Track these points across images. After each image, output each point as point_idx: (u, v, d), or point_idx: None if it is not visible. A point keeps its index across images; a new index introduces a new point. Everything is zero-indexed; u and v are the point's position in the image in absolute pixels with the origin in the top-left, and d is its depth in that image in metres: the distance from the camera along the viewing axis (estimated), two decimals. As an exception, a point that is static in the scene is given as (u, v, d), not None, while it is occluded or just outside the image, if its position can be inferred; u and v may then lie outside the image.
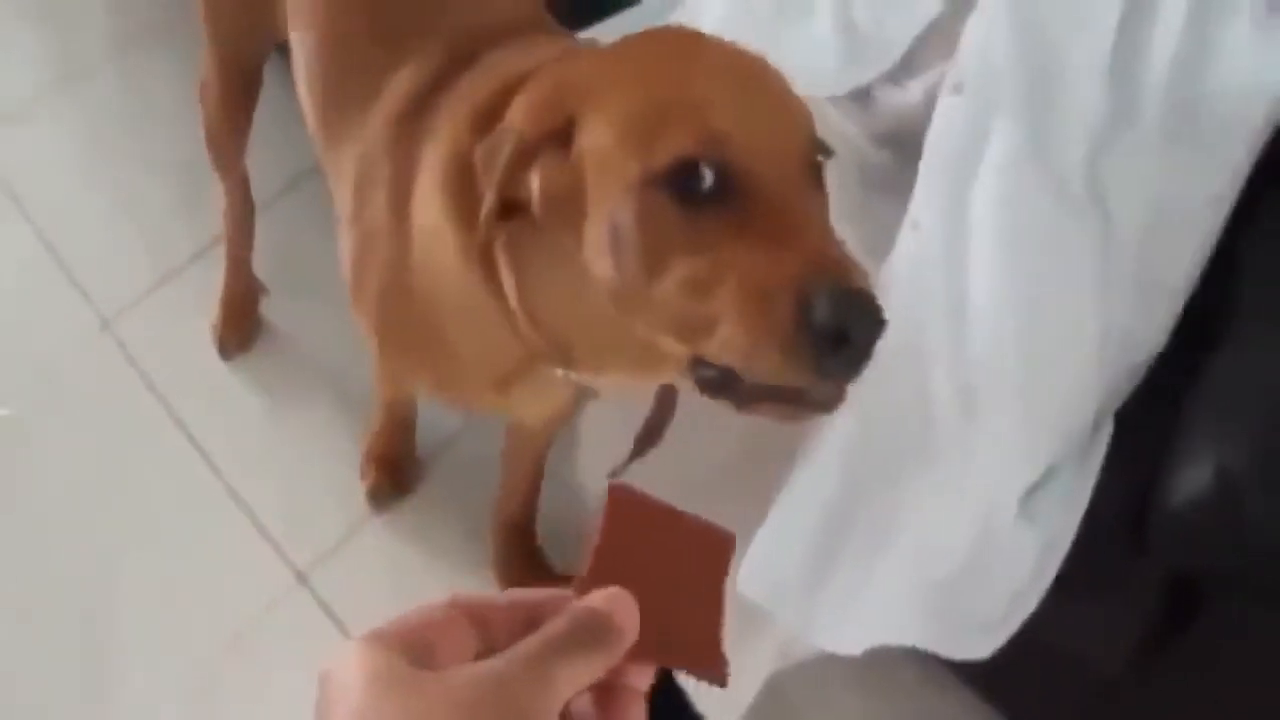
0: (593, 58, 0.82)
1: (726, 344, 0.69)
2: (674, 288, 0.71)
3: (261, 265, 1.74)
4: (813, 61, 1.13)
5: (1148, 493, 1.03)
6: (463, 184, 0.85)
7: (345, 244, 1.05)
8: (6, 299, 1.81)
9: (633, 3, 1.30)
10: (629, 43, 0.81)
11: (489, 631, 0.47)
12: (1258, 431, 1.00)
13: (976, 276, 1.02)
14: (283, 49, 1.24)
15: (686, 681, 1.09)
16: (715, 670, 0.50)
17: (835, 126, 1.14)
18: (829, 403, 0.72)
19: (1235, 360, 1.06)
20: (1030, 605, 1.05)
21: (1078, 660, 1.22)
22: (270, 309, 1.77)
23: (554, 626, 0.45)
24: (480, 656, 0.45)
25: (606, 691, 0.48)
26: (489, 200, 0.78)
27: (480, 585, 1.55)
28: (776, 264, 0.67)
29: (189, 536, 1.61)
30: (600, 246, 0.74)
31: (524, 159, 0.77)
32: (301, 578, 1.58)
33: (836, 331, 0.65)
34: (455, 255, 0.87)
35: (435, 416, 1.63)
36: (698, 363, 0.73)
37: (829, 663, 1.13)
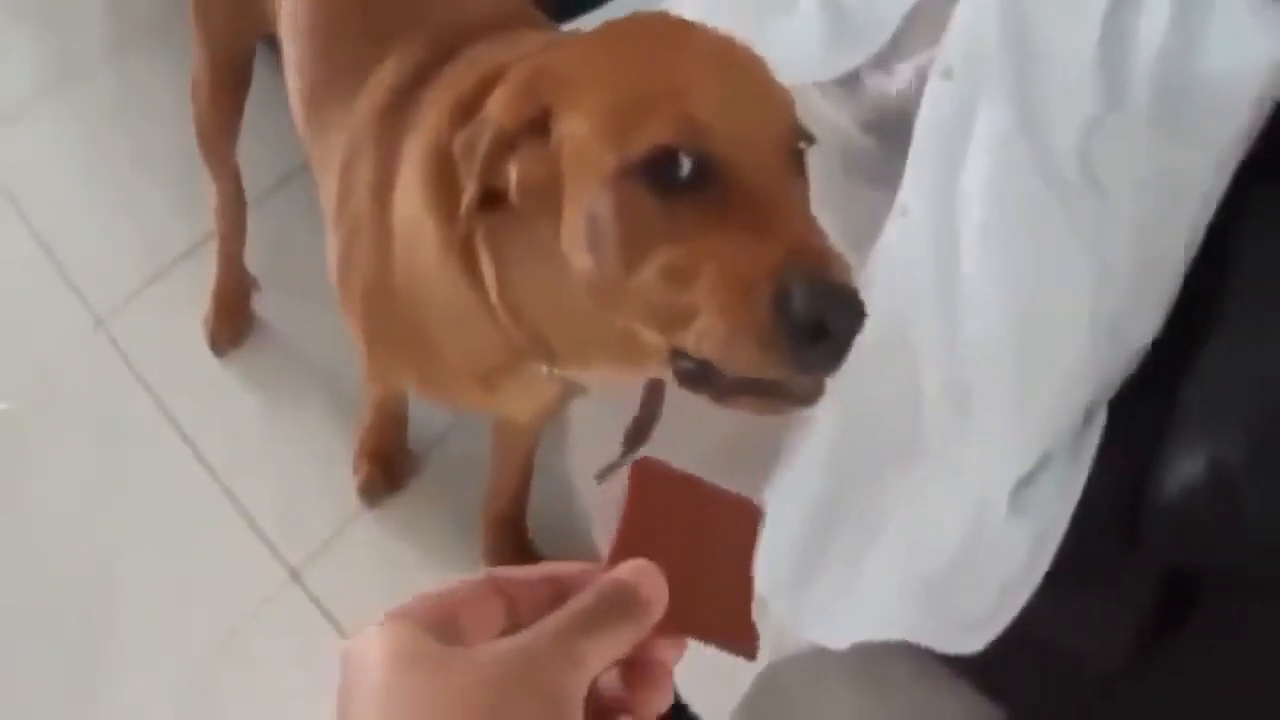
0: (573, 45, 0.81)
1: (704, 335, 0.68)
2: (652, 278, 0.70)
3: (254, 261, 1.73)
4: (798, 46, 1.12)
5: (1141, 485, 1.03)
6: (443, 176, 0.84)
7: (330, 240, 1.04)
8: (1, 296, 1.80)
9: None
10: (609, 29, 0.80)
11: (515, 606, 0.46)
12: (1252, 423, 0.99)
13: (967, 263, 1.01)
14: (272, 42, 1.24)
15: (677, 677, 1.09)
16: (745, 642, 0.49)
17: (820, 113, 1.13)
18: (809, 396, 0.71)
19: (1229, 351, 1.05)
20: (1021, 599, 1.04)
21: (1073, 655, 1.21)
22: (262, 304, 1.77)
23: (581, 601, 0.44)
24: (506, 632, 0.44)
25: (634, 666, 0.46)
26: (470, 190, 0.77)
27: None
28: (755, 254, 0.66)
29: (181, 533, 1.60)
30: (578, 238, 0.73)
31: (503, 148, 0.76)
32: (294, 574, 1.58)
33: (815, 324, 0.64)
34: (436, 248, 0.87)
35: (427, 412, 1.62)
36: (677, 354, 0.73)
37: (823, 656, 1.12)
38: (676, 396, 0.94)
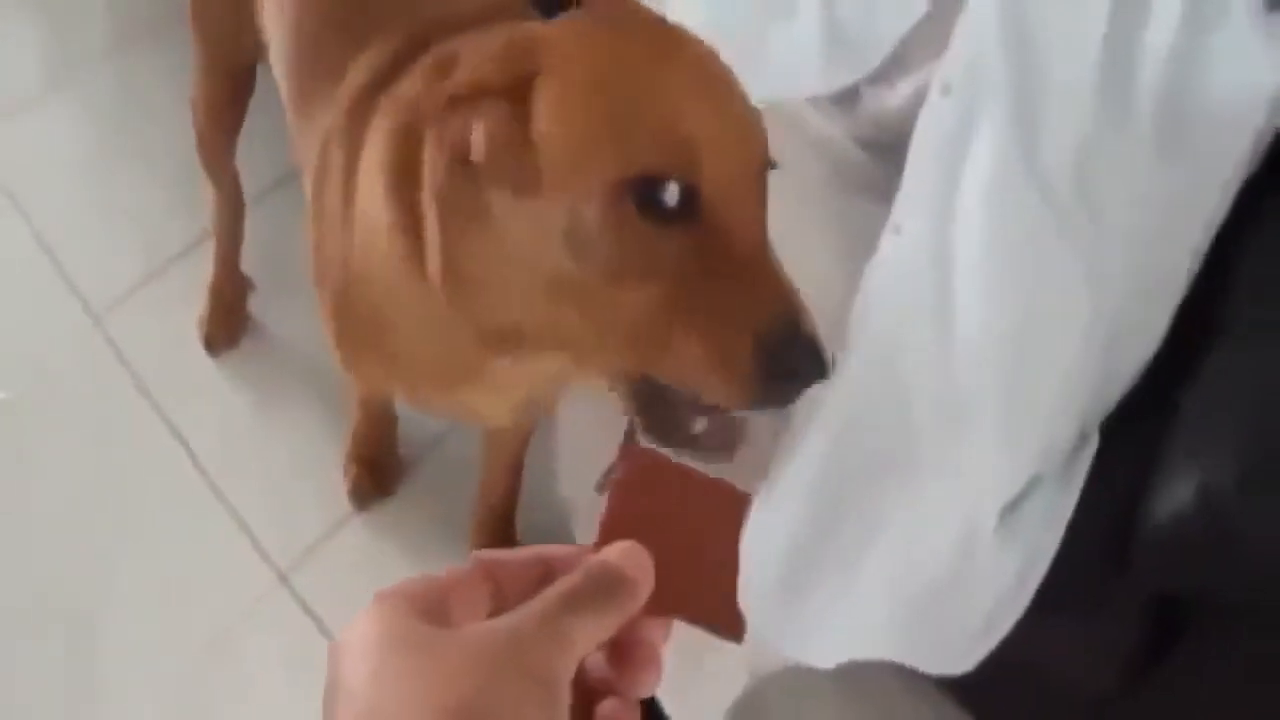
0: (568, 25, 0.78)
1: (681, 369, 0.71)
2: (638, 301, 0.71)
3: (250, 262, 1.74)
4: (797, 55, 1.11)
5: (1132, 509, 1.02)
6: (402, 159, 0.82)
7: (307, 235, 1.03)
8: (-1, 292, 1.81)
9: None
10: (607, 21, 0.78)
11: (502, 590, 0.47)
12: (1242, 448, 0.98)
13: (960, 283, 1.00)
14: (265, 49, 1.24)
15: (660, 690, 1.08)
16: (732, 627, 0.50)
17: (814, 128, 1.12)
18: (720, 452, 0.76)
19: (1219, 375, 1.04)
20: (1009, 621, 1.03)
21: (1063, 678, 1.20)
22: (258, 306, 1.77)
23: (568, 582, 0.45)
24: (494, 614, 0.45)
25: (622, 647, 0.47)
26: (443, 127, 0.75)
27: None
28: (739, 301, 0.70)
29: (172, 532, 1.60)
30: (554, 233, 0.72)
31: (477, 97, 0.73)
32: (283, 577, 1.58)
33: (788, 373, 0.69)
34: (388, 234, 0.85)
35: (422, 417, 1.61)
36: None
37: (809, 673, 1.12)
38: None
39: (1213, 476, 0.96)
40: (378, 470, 1.62)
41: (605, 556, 0.46)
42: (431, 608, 0.44)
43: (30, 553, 1.58)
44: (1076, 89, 1.02)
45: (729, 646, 1.08)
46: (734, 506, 0.52)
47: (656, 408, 0.75)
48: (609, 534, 0.48)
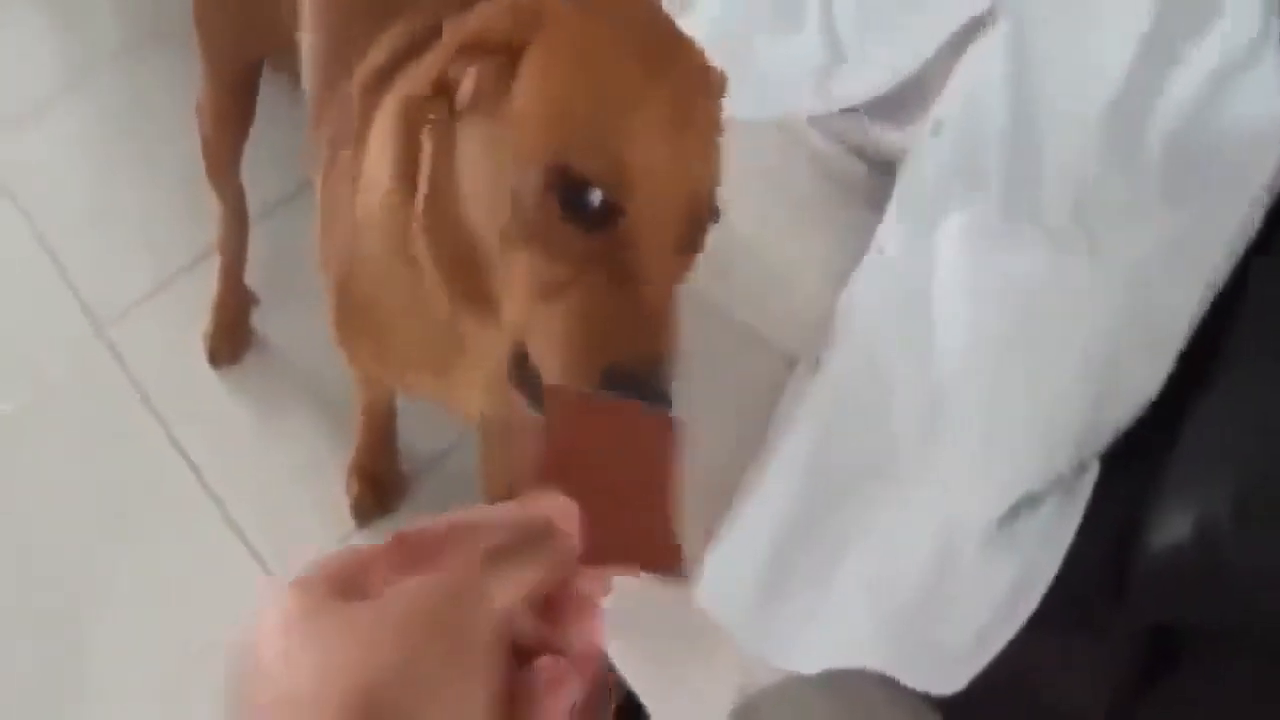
0: (580, 10, 0.79)
1: (541, 342, 0.72)
2: (538, 268, 0.73)
3: (254, 275, 1.74)
4: (796, 68, 1.12)
5: (1129, 539, 1.02)
6: (410, 126, 0.85)
7: (316, 222, 1.05)
8: (1, 301, 1.81)
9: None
10: (616, 19, 0.79)
11: (426, 562, 0.43)
12: (1239, 481, 0.99)
13: (940, 303, 1.01)
14: (275, 60, 1.25)
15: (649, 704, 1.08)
16: (669, 563, 0.48)
17: (814, 140, 1.14)
18: None
19: (1217, 409, 1.04)
20: (1000, 642, 1.03)
21: (1057, 702, 1.20)
22: (262, 320, 1.77)
23: (488, 538, 0.43)
24: None
25: (558, 603, 0.45)
26: (437, 62, 0.78)
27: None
28: (620, 324, 0.70)
29: (172, 545, 1.60)
30: (505, 188, 0.75)
31: (475, 49, 0.77)
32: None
33: (632, 388, 0.67)
34: (386, 199, 0.87)
35: (424, 434, 1.63)
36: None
37: (803, 689, 1.12)
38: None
39: (1209, 509, 0.97)
40: (380, 487, 1.62)
41: (527, 508, 0.44)
42: (348, 586, 0.42)
43: (29, 558, 1.58)
44: (1079, 131, 1.03)
45: (717, 662, 1.08)
46: (666, 436, 0.51)
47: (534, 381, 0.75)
48: (536, 482, 0.46)
